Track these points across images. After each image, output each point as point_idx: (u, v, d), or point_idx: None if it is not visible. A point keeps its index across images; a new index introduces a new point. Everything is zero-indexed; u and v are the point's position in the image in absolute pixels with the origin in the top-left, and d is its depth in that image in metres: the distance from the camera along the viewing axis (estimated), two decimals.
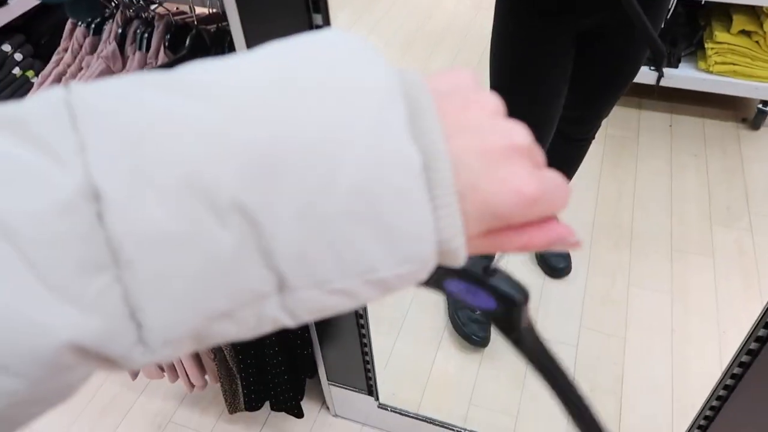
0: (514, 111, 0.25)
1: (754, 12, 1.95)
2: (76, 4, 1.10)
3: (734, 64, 2.04)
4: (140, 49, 1.05)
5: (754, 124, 2.14)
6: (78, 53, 1.12)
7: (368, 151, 0.21)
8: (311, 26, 0.74)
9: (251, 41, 0.81)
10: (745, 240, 1.77)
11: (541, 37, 1.15)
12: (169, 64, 1.06)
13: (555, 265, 1.69)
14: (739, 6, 1.95)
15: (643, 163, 2.04)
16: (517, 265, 1.74)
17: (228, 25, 0.81)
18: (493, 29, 1.20)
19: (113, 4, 1.13)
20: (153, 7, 1.10)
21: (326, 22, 0.74)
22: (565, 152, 1.48)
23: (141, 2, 1.08)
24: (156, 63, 1.05)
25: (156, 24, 1.04)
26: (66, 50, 1.14)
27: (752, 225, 1.81)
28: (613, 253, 1.76)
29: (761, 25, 1.92)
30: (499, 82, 1.23)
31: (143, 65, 1.05)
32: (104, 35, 1.09)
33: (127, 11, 1.08)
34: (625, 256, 1.75)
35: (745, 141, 2.10)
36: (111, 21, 1.09)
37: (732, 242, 1.77)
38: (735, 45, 2.00)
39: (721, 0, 1.92)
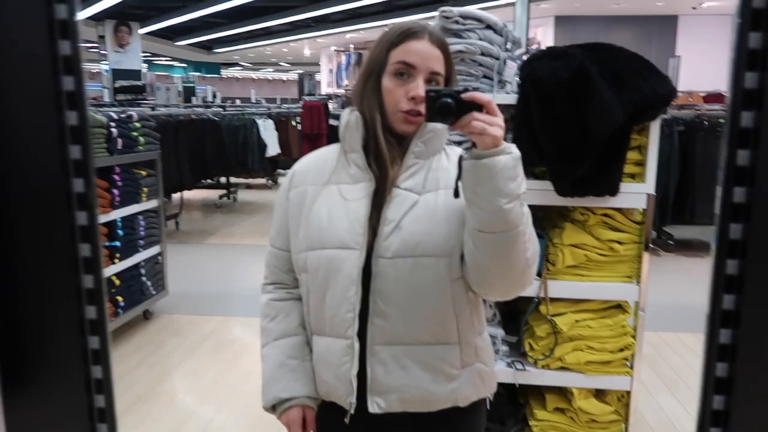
0: None
1: (562, 391, 2.18)
2: None
3: None
4: None
5: None
6: None
7: None
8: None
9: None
10: None
11: None
12: None
13: None
14: (549, 386, 2.18)
15: None
16: None
17: None
18: None
19: None
20: None
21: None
22: None
23: None
24: None
25: None
26: None
27: None
28: None
29: (570, 402, 2.13)
30: None
31: None
32: None
33: None
34: None
35: None
36: None
37: None
38: (554, 422, 2.16)
39: (531, 383, 2.15)
